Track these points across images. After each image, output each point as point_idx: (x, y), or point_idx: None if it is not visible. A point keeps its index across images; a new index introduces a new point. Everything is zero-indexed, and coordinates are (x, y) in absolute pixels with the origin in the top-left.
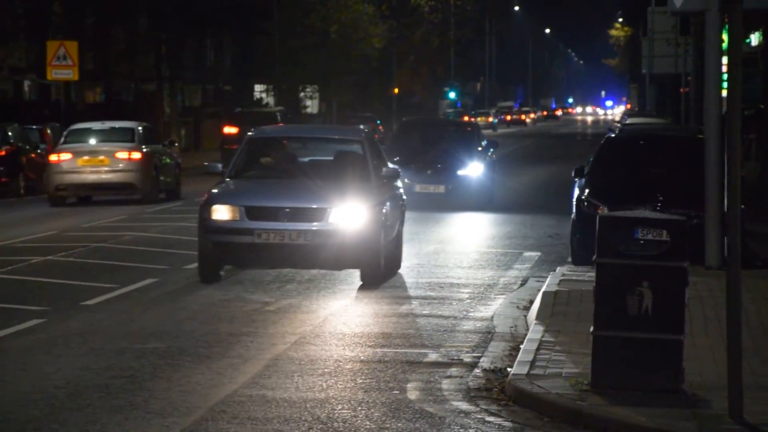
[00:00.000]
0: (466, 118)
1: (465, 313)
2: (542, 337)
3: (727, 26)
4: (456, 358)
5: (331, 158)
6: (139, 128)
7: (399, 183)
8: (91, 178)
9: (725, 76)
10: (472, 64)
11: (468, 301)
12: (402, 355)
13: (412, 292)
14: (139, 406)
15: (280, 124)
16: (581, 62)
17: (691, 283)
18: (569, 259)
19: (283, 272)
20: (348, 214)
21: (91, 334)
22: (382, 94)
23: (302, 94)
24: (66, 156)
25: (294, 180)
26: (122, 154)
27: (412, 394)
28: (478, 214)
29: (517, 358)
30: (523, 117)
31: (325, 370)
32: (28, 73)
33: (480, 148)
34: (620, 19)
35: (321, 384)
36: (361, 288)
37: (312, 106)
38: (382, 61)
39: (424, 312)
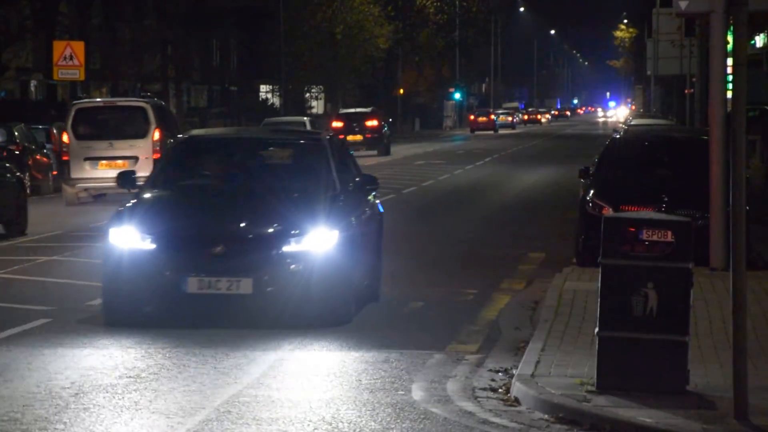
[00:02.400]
0: (492, 117)
1: (470, 313)
2: (547, 337)
3: (732, 28)
4: (461, 358)
5: None
6: None
7: None
8: None
9: (730, 78)
10: (477, 65)
11: (473, 301)
12: (407, 356)
13: (416, 293)
14: (144, 406)
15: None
16: (586, 63)
17: (696, 284)
18: (574, 260)
19: None
20: None
21: (97, 335)
22: (388, 94)
23: (308, 95)
24: None
25: None
26: None
27: (417, 395)
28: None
29: (522, 359)
30: (538, 117)
31: (330, 370)
32: (34, 73)
33: (336, 192)
34: (625, 21)
35: (326, 384)
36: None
37: (317, 106)
38: (387, 62)
39: (429, 312)
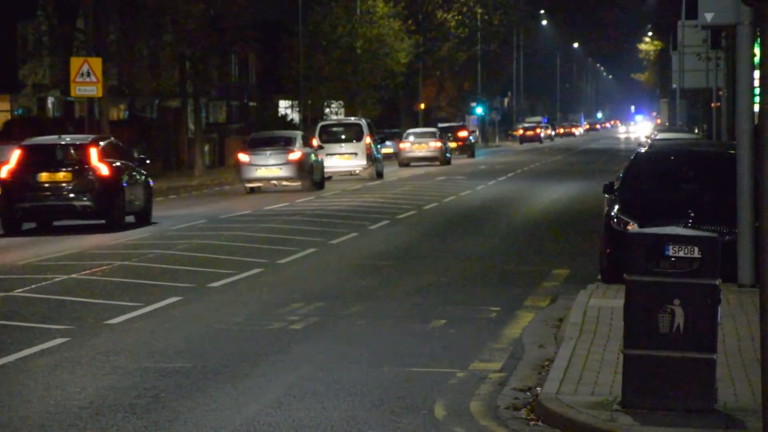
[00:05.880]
0: (538, 131)
1: (493, 331)
2: (572, 355)
3: (759, 40)
4: (484, 377)
5: None
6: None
7: None
8: None
9: (757, 90)
10: (499, 79)
11: (496, 318)
12: (430, 375)
13: (438, 310)
14: (163, 427)
15: None
16: (610, 77)
17: (724, 300)
18: (599, 277)
19: (310, 290)
20: None
21: (115, 354)
22: (409, 109)
23: (328, 110)
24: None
25: None
26: None
27: (440, 414)
28: None
29: (547, 377)
30: (572, 130)
31: (352, 389)
32: (51, 90)
33: None
34: (650, 33)
35: (347, 404)
36: (388, 306)
37: None
38: (408, 76)
39: (452, 330)
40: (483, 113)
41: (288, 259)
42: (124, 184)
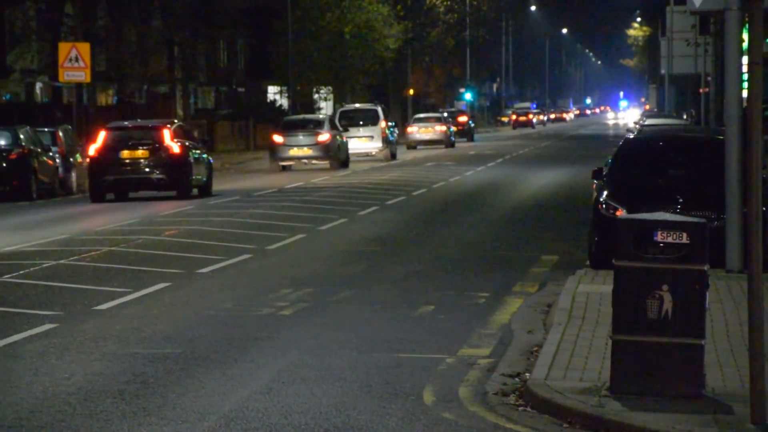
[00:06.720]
0: (530, 116)
1: (482, 316)
2: (560, 341)
3: (747, 25)
4: (473, 362)
5: None
6: None
7: None
8: None
9: (746, 76)
10: (488, 65)
11: (485, 304)
12: (418, 360)
13: (426, 297)
14: (152, 412)
15: None
16: (599, 63)
17: (712, 286)
18: (587, 263)
19: (299, 276)
20: None
21: (104, 340)
22: (397, 95)
23: (316, 96)
24: None
25: None
26: None
27: (429, 400)
28: None
29: (536, 363)
30: (563, 115)
31: (341, 375)
32: (39, 75)
33: None
34: (638, 19)
35: (336, 390)
36: (377, 291)
37: (326, 107)
38: (396, 62)
39: (441, 316)
40: (472, 99)
41: (277, 245)
42: (191, 161)
